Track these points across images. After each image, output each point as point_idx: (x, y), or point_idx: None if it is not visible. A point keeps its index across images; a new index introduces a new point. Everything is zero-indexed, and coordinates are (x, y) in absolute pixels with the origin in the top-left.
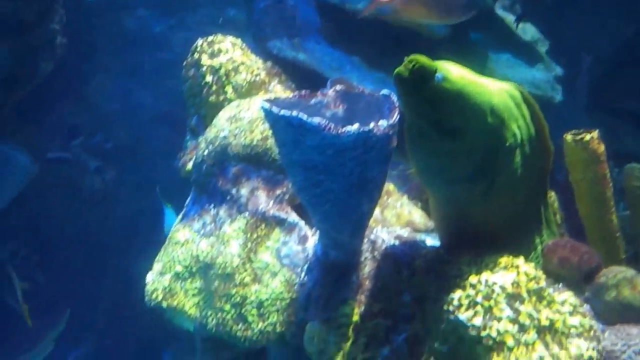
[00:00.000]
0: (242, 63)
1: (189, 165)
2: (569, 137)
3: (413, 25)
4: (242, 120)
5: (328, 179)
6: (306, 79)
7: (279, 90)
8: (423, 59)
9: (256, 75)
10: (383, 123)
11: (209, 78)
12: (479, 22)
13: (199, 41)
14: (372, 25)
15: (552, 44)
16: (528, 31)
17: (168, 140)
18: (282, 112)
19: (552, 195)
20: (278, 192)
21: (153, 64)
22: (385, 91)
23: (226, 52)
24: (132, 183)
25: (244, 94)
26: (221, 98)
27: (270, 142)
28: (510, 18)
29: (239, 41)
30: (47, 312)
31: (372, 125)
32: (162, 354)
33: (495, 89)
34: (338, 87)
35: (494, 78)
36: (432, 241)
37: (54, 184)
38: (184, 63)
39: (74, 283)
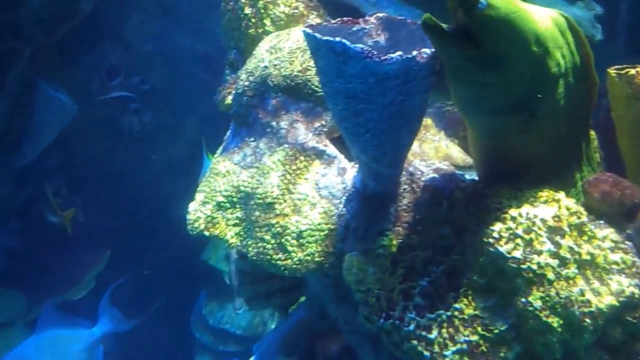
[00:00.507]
0: None
1: (229, 99)
2: (612, 71)
3: None
4: (281, 50)
5: (369, 108)
6: (343, 14)
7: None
8: None
9: (295, 8)
10: (426, 51)
11: (247, 10)
12: None
13: None
14: None
15: None
16: None
17: (204, 83)
18: (325, 37)
19: (593, 133)
20: (317, 124)
21: (190, 5)
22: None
23: None
24: (169, 125)
25: (282, 27)
26: (260, 31)
27: (310, 73)
28: None
29: None
30: (88, 251)
31: (414, 53)
32: (200, 292)
33: (540, 16)
34: (380, 14)
35: None
36: (470, 177)
37: (94, 124)
38: None
39: (114, 220)
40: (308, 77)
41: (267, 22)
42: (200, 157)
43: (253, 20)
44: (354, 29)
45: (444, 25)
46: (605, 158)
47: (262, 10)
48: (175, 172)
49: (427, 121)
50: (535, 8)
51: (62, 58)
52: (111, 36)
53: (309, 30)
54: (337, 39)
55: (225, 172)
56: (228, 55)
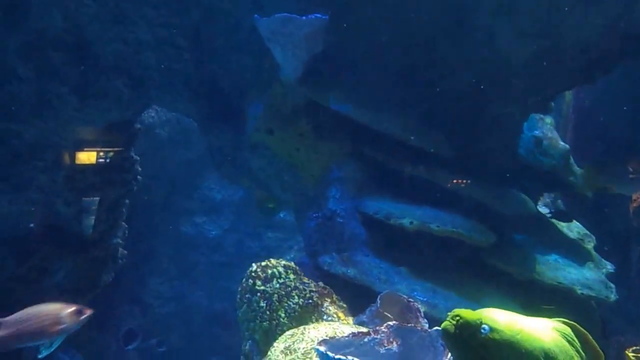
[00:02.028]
0: (295, 287)
1: None
2: (630, 354)
3: (455, 234)
4: (296, 352)
5: None
6: (356, 295)
7: (332, 311)
8: (467, 314)
9: (309, 299)
10: None
11: (262, 303)
12: (522, 224)
13: (254, 266)
14: (417, 236)
15: (599, 238)
16: (573, 228)
17: (221, 341)
18: (337, 356)
19: None
20: None
21: (207, 265)
22: (438, 327)
23: (279, 277)
24: None
25: (296, 318)
26: (274, 323)
27: None
28: (552, 217)
29: (292, 264)
30: None
31: None
32: None
33: (546, 332)
34: (391, 323)
35: (544, 281)
36: None
37: None
38: (239, 288)
39: None
40: None
41: (282, 314)
42: None
43: (268, 313)
44: (365, 340)
45: None
46: None
47: (277, 303)
48: None
49: None
50: (537, 322)
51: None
52: (130, 300)
53: (322, 349)
54: (349, 357)
55: None
56: (243, 346)
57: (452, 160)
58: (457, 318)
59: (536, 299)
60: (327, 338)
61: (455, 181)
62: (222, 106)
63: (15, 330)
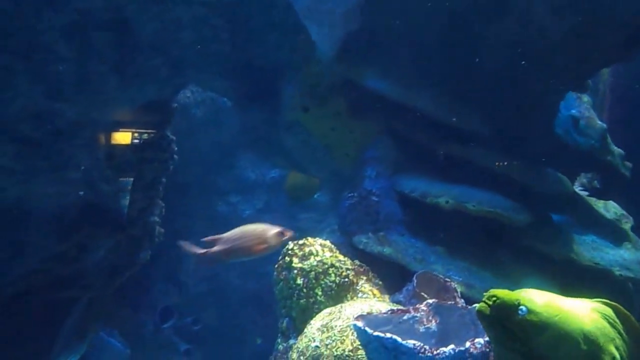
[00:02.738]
0: (332, 265)
1: None
2: None
3: (492, 214)
4: (333, 329)
5: None
6: (392, 274)
7: (367, 289)
8: (503, 294)
9: (345, 277)
10: (479, 341)
11: (299, 281)
12: (560, 204)
13: (290, 244)
14: (453, 215)
15: (636, 218)
16: (610, 208)
17: (254, 321)
18: (376, 332)
19: None
20: None
21: None
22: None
23: (316, 255)
24: None
25: (333, 296)
26: (311, 301)
27: (361, 352)
28: (589, 196)
29: (327, 242)
30: None
31: (467, 344)
32: None
33: (585, 313)
34: (431, 300)
35: (582, 262)
36: None
37: None
38: (276, 266)
39: None
40: (359, 356)
41: (319, 292)
42: None
43: (305, 290)
44: (405, 317)
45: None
46: None
47: (314, 281)
48: None
49: None
50: (577, 303)
51: (119, 302)
52: (165, 279)
53: (359, 324)
54: (388, 334)
55: None
56: (280, 323)
57: (489, 138)
58: (494, 298)
59: (573, 280)
60: (365, 314)
61: (497, 164)
62: (258, 85)
63: (230, 246)
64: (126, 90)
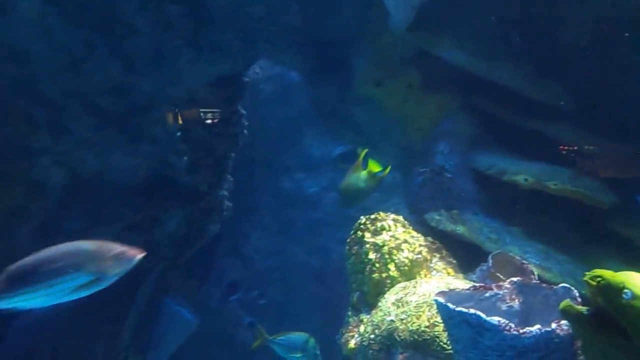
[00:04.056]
0: (405, 241)
1: (351, 343)
2: None
3: (575, 194)
4: (408, 304)
5: None
6: (465, 253)
7: (441, 267)
8: (609, 275)
9: (418, 253)
10: (566, 323)
11: (372, 255)
12: None
13: (362, 218)
14: (531, 195)
15: None
16: None
17: (318, 296)
18: (458, 308)
19: None
20: None
21: (305, 222)
22: (565, 284)
23: (389, 230)
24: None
25: (406, 272)
26: (384, 275)
27: (438, 329)
28: None
29: (400, 218)
30: None
31: (554, 325)
32: None
33: None
34: (515, 279)
35: None
36: None
37: (210, 337)
38: (348, 240)
39: None
40: (436, 332)
41: (392, 267)
42: None
43: (377, 265)
44: (487, 295)
45: (584, 309)
46: None
47: (387, 256)
48: None
49: None
50: None
51: (188, 273)
52: (232, 253)
53: (441, 300)
54: (472, 310)
55: None
56: (351, 297)
57: (572, 114)
58: (599, 279)
59: None
60: (447, 290)
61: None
62: (328, 58)
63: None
64: (200, 64)
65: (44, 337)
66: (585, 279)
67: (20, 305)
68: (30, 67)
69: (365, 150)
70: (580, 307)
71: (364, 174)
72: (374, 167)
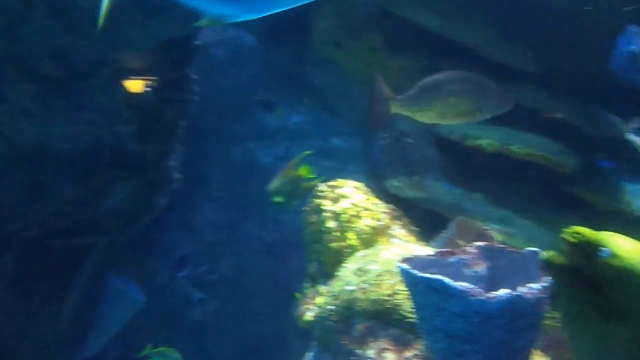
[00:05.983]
0: (365, 208)
1: (308, 315)
2: None
3: (539, 158)
4: (369, 273)
5: (473, 348)
6: (428, 221)
7: (402, 234)
8: (587, 232)
9: (379, 220)
10: (534, 286)
11: (330, 224)
12: (609, 150)
13: (321, 186)
14: (494, 159)
15: None
16: None
17: (270, 271)
18: (423, 274)
19: None
20: (408, 354)
21: (259, 195)
22: (532, 248)
23: (349, 197)
24: (233, 315)
25: (366, 240)
26: (343, 244)
27: (400, 297)
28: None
29: (361, 185)
30: None
31: (523, 290)
32: None
33: None
34: (480, 243)
35: (632, 212)
36: None
37: (157, 315)
38: (306, 208)
39: None
40: (397, 301)
41: (351, 235)
42: None
43: (336, 233)
44: (451, 260)
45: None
46: None
47: (346, 224)
48: None
49: None
50: None
51: (135, 249)
52: (181, 226)
53: (405, 266)
54: (437, 275)
55: None
56: (308, 268)
57: (537, 76)
58: (578, 235)
59: (622, 231)
60: (411, 256)
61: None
62: (287, 19)
63: None
64: (148, 26)
65: None
66: (563, 235)
67: None
68: None
69: (308, 153)
70: (564, 257)
71: (294, 177)
72: (305, 172)
